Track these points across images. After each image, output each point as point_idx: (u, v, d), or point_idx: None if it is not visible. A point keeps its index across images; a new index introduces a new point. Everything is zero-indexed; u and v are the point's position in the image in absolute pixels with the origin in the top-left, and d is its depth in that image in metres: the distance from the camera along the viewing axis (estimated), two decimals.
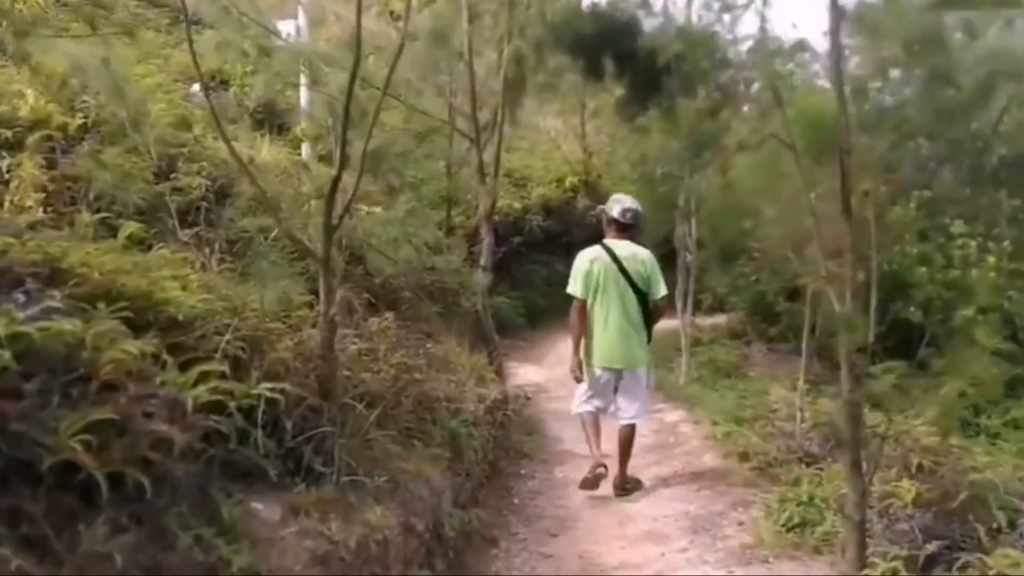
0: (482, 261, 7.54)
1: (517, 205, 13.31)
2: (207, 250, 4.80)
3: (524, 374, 9.82)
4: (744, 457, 6.35)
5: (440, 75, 9.28)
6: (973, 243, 11.82)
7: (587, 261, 5.96)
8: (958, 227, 11.96)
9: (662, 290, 6.06)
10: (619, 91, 10.32)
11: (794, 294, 11.24)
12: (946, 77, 4.25)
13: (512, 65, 7.34)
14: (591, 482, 5.76)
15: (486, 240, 7.55)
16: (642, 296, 5.94)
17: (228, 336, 3.70)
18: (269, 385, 3.65)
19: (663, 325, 12.38)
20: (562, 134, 16.19)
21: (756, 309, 11.47)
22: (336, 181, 4.02)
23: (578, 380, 6.11)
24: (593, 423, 6.06)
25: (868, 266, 4.39)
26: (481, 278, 7.35)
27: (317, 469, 3.77)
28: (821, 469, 5.78)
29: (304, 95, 10.35)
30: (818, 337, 8.99)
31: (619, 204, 6.16)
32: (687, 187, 9.00)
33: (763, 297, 11.25)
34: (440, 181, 10.86)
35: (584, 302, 5.92)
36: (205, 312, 3.82)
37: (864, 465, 4.24)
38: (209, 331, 3.72)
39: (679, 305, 9.59)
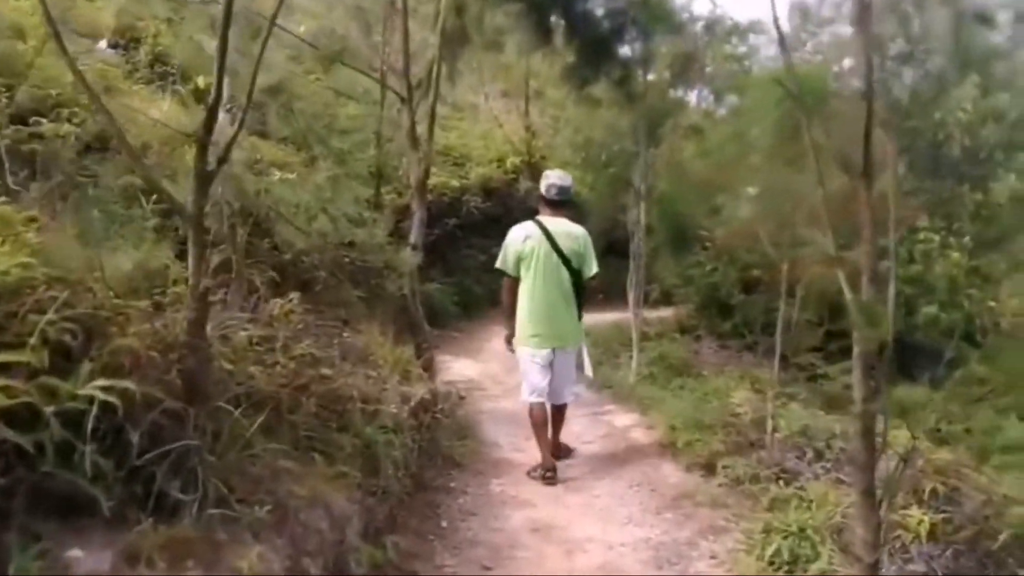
0: (412, 238, 6.57)
1: (454, 183, 12.32)
2: (52, 207, 3.76)
3: (458, 369, 8.87)
4: (709, 470, 5.50)
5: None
6: (936, 237, 11.26)
7: (520, 237, 5.75)
8: (921, 221, 11.37)
9: (594, 267, 5.86)
10: (568, 58, 9.60)
11: (749, 286, 10.51)
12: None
13: (451, 15, 6.38)
14: (548, 479, 5.56)
15: (417, 214, 6.59)
16: (575, 273, 5.74)
17: (51, 315, 2.71)
18: (105, 383, 2.68)
19: (608, 318, 11.74)
20: (505, 111, 15.27)
21: (708, 302, 10.69)
22: (211, 117, 3.04)
23: (511, 349, 6.00)
24: (542, 418, 5.80)
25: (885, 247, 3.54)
26: (410, 257, 6.37)
27: (173, 497, 2.82)
28: (802, 488, 4.96)
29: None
30: (794, 332, 8.34)
31: (547, 180, 5.93)
32: (639, 166, 8.08)
33: (716, 289, 10.48)
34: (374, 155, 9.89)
35: (515, 279, 5.76)
36: (21, 282, 2.82)
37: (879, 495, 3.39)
38: (25, 308, 2.74)
39: (630, 297, 8.69)
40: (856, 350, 3.43)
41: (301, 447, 3.62)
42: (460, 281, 12.08)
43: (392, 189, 11.20)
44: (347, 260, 6.21)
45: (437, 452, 5.68)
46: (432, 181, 11.42)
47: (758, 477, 5.24)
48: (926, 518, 3.91)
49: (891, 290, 3.47)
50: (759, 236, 5.89)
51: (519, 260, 5.71)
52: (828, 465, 5.31)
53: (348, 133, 9.70)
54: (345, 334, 5.74)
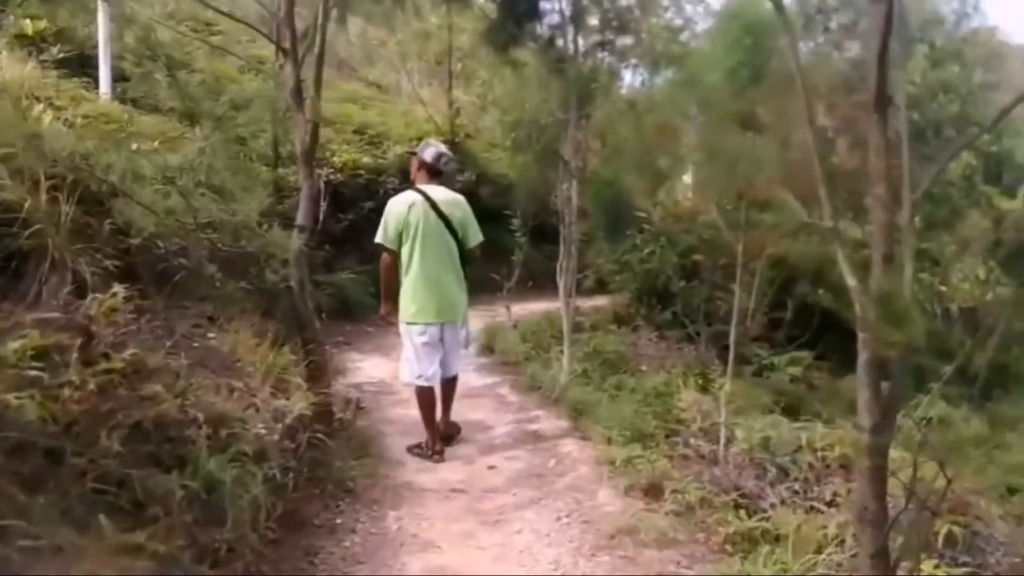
0: (298, 217, 5.49)
1: (367, 160, 11.19)
2: None
3: (368, 369, 7.84)
4: (654, 494, 4.56)
5: None
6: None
7: (403, 206, 5.48)
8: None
9: (478, 236, 5.68)
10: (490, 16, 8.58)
11: (690, 272, 9.64)
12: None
13: None
14: (441, 442, 5.53)
15: (304, 189, 5.52)
16: (460, 243, 5.56)
17: None
18: None
19: (538, 308, 10.79)
20: (426, 84, 14.21)
21: (645, 290, 9.79)
22: None
23: (391, 323, 5.84)
24: (431, 400, 5.61)
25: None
26: (295, 241, 5.30)
27: None
28: (766, 518, 4.06)
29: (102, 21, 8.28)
30: (741, 320, 7.53)
31: (433, 148, 5.77)
32: (569, 137, 7.10)
33: (654, 276, 9.58)
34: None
35: (394, 252, 5.55)
36: None
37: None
38: None
39: (560, 284, 7.74)
40: (862, 357, 2.52)
41: (88, 502, 2.58)
42: (376, 269, 10.98)
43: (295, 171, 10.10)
44: (218, 246, 5.11)
45: (325, 478, 4.65)
46: (342, 159, 10.37)
47: (712, 503, 4.33)
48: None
49: (908, 274, 2.56)
50: (710, 209, 4.99)
51: (401, 232, 5.46)
52: (795, 486, 4.42)
53: (243, 108, 8.56)
54: (211, 336, 4.69)
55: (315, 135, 5.40)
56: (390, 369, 7.80)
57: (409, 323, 5.54)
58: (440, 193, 5.55)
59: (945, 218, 11.16)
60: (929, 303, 11.46)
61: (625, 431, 5.33)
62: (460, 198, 5.68)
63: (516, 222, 9.93)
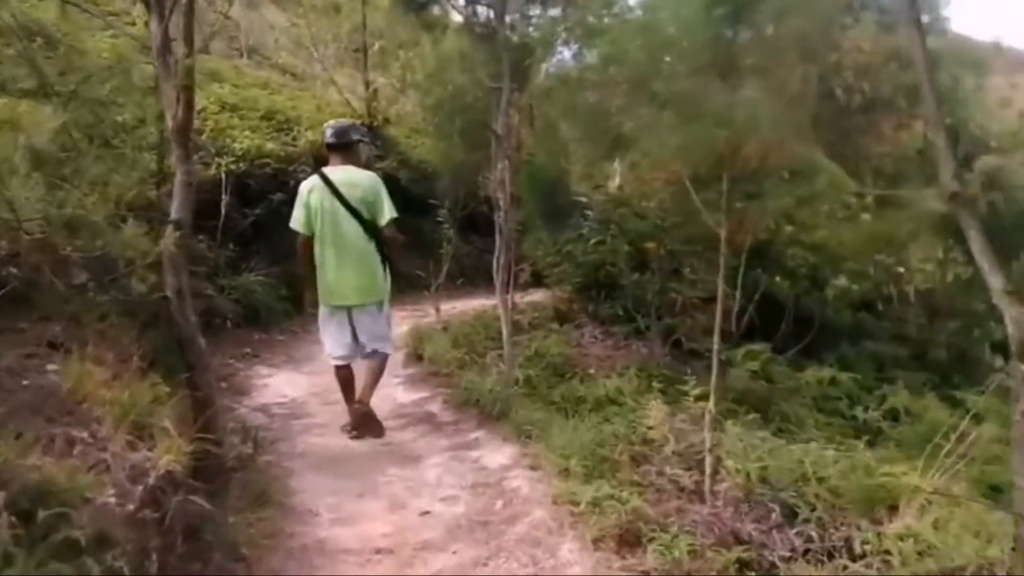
0: (173, 209, 4.40)
1: (272, 147, 10.03)
2: None
3: (278, 385, 6.77)
4: (630, 545, 3.62)
5: None
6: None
7: (305, 191, 5.44)
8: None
9: (388, 214, 5.39)
10: None
11: (641, 263, 8.75)
12: None
13: None
14: (355, 424, 5.46)
15: (179, 173, 4.41)
16: (368, 224, 5.36)
17: None
18: None
19: (471, 306, 9.82)
20: (340, 66, 13.09)
21: (590, 283, 8.86)
22: None
23: (313, 310, 5.67)
24: (347, 378, 5.61)
25: None
26: (169, 240, 4.22)
27: None
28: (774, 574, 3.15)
29: None
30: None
31: (329, 128, 5.60)
32: (501, 108, 6.12)
33: (600, 267, 8.67)
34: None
35: (307, 236, 5.42)
36: None
37: None
38: None
39: (497, 281, 6.76)
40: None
41: None
42: (289, 270, 9.86)
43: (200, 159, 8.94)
44: (65, 250, 4.00)
45: (209, 547, 3.60)
46: (244, 145, 9.24)
47: (705, 554, 3.41)
48: None
49: None
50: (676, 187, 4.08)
51: (309, 217, 5.35)
52: (808, 530, 3.52)
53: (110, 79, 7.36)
54: (51, 367, 3.61)
55: (189, 105, 4.31)
56: (305, 385, 6.78)
57: (322, 305, 5.51)
58: (341, 174, 5.39)
59: (901, 196, 10.45)
60: (885, 285, 10.82)
61: (584, 460, 4.39)
62: (365, 176, 5.46)
63: (443, 212, 8.90)
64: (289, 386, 6.72)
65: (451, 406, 6.06)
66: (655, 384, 7.16)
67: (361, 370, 5.61)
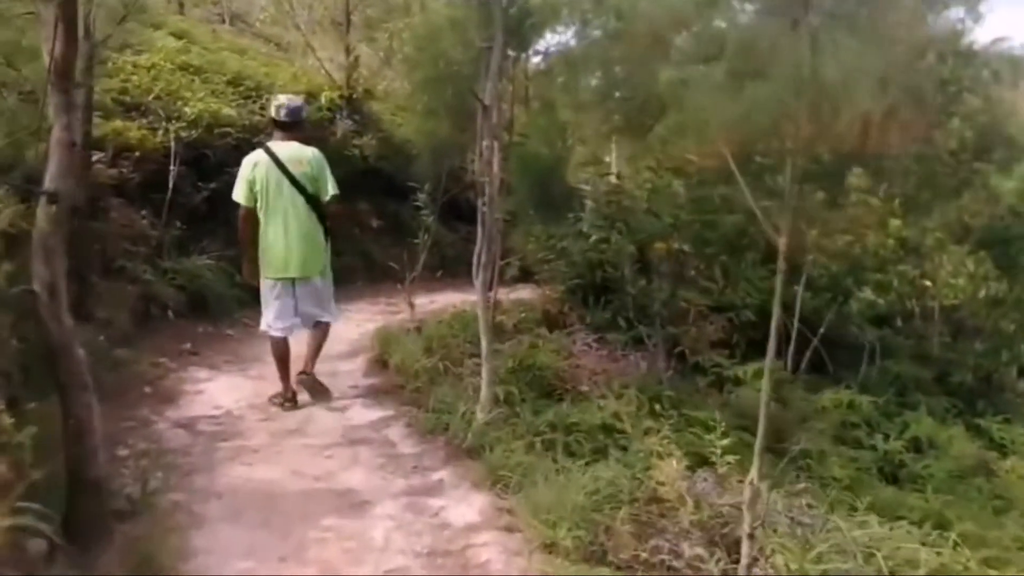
0: (47, 178, 3.30)
1: (229, 112, 8.91)
2: None
3: (215, 392, 5.72)
4: None
5: None
6: (874, 200, 8.77)
7: (249, 165, 5.49)
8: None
9: (330, 190, 5.56)
10: None
11: (646, 264, 7.69)
12: None
13: None
14: (297, 391, 5.51)
15: (56, 130, 3.29)
16: (312, 199, 5.51)
17: None
18: None
19: (450, 301, 8.78)
20: (320, 31, 11.97)
21: (586, 284, 7.81)
22: None
23: (255, 283, 5.69)
24: (283, 351, 5.56)
25: None
26: (43, 216, 3.16)
27: None
28: None
29: None
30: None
31: (275, 103, 5.70)
32: (491, 72, 5.05)
33: (597, 267, 7.63)
34: None
35: (250, 209, 5.49)
36: None
37: None
38: None
39: (478, 280, 5.70)
40: None
41: None
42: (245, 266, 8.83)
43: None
44: None
45: None
46: (196, 109, 8.15)
47: None
48: None
49: None
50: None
51: (251, 190, 5.46)
52: None
53: None
54: None
55: (71, 38, 3.22)
56: (247, 392, 5.74)
57: (263, 278, 5.57)
58: (286, 149, 5.49)
59: (929, 201, 9.43)
60: (909, 299, 9.81)
61: (576, 528, 3.36)
62: (309, 153, 5.55)
63: (422, 197, 7.82)
64: (227, 394, 5.67)
65: (415, 432, 5.01)
66: (659, 408, 6.17)
67: (302, 342, 5.69)
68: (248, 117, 9.25)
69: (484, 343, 5.24)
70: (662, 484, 3.69)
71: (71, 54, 3.24)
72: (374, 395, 5.82)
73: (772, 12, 2.44)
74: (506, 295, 9.00)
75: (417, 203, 8.08)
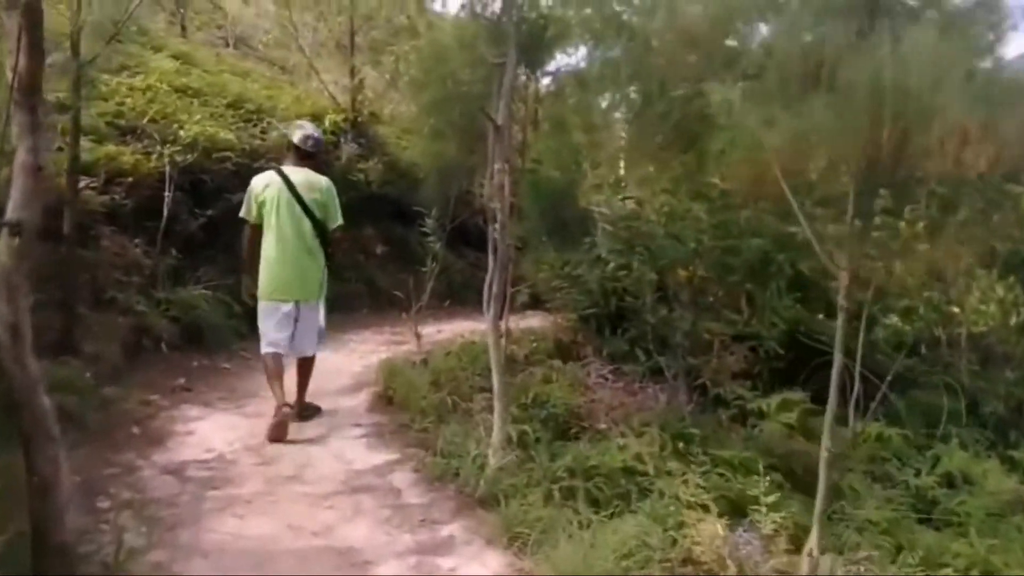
0: (9, 207, 2.95)
1: (228, 136, 8.57)
2: None
3: (207, 432, 5.33)
4: None
5: None
6: (901, 223, 8.37)
7: (260, 185, 5.56)
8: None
9: (338, 219, 5.72)
10: None
11: (666, 293, 7.27)
12: None
13: None
14: (277, 428, 5.25)
15: (21, 154, 2.93)
16: (318, 225, 5.61)
17: None
18: None
19: (458, 329, 8.43)
20: (326, 55, 11.69)
21: (600, 313, 7.41)
22: None
23: (252, 301, 5.76)
24: (276, 366, 5.57)
25: None
26: (3, 253, 2.81)
27: None
28: None
29: None
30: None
31: (301, 130, 5.81)
32: (504, 87, 4.69)
33: (614, 294, 7.25)
34: None
35: (255, 227, 5.57)
36: None
37: None
38: None
39: (489, 311, 5.33)
40: None
41: None
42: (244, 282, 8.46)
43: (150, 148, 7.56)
44: None
45: None
46: (191, 132, 7.82)
47: None
48: None
49: None
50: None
51: (260, 209, 5.53)
52: None
53: None
54: None
55: (37, 54, 2.87)
56: (242, 432, 5.36)
57: (261, 298, 5.61)
58: (301, 175, 5.58)
59: (956, 224, 9.03)
60: (936, 326, 9.38)
61: None
62: (322, 180, 5.68)
63: (428, 222, 7.46)
64: (221, 434, 5.28)
65: (423, 478, 4.62)
66: (682, 446, 5.79)
67: (292, 367, 5.76)
68: (249, 141, 8.93)
69: (496, 380, 4.87)
70: (698, 544, 3.30)
71: (36, 68, 2.89)
72: (378, 434, 5.44)
73: (833, 15, 2.09)
74: (516, 323, 8.65)
75: (424, 229, 7.71)
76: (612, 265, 6.33)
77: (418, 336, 7.36)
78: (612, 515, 4.12)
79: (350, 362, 7.37)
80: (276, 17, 14.52)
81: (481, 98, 5.84)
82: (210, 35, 15.65)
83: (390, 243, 10.67)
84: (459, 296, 10.20)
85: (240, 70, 12.06)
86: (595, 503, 4.63)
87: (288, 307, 5.57)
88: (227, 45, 15.26)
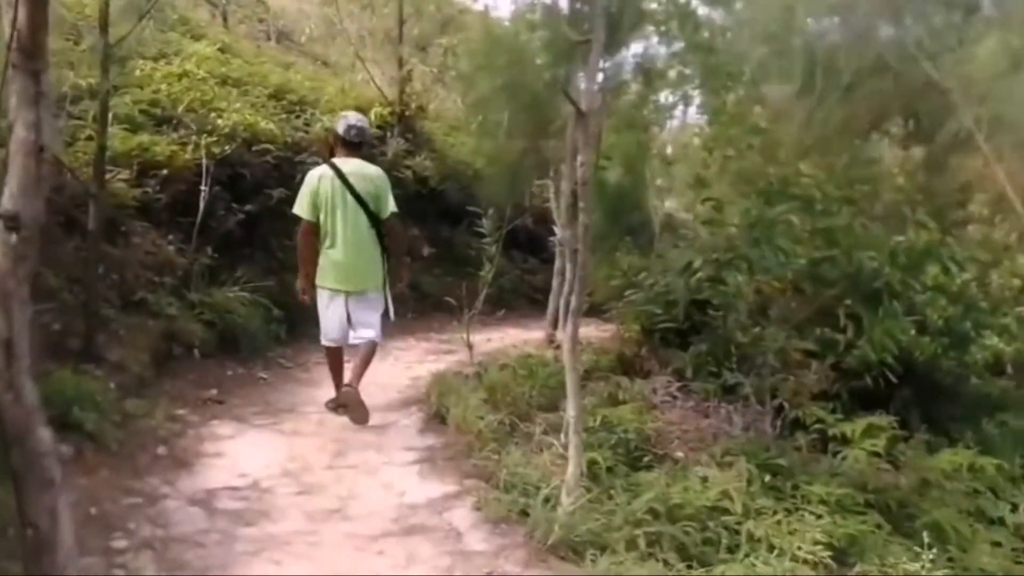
0: (5, 198, 2.41)
1: (268, 126, 8.02)
2: None
3: (238, 453, 4.77)
4: None
5: None
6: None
7: (314, 179, 5.53)
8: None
9: (391, 207, 5.63)
10: None
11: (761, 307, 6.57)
12: None
13: None
14: (356, 409, 5.34)
15: (18, 132, 2.38)
16: (372, 216, 5.56)
17: None
18: None
19: (507, 339, 7.86)
20: (369, 43, 11.15)
21: (676, 322, 6.73)
22: None
23: (306, 303, 5.76)
24: (335, 359, 5.73)
25: None
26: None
27: None
28: None
29: None
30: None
31: (345, 121, 5.75)
32: (590, 73, 4.07)
33: (692, 305, 6.59)
34: None
35: (312, 223, 5.51)
36: None
37: None
38: None
39: (567, 327, 4.73)
40: None
41: None
42: (286, 283, 7.88)
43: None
44: None
45: None
46: (231, 121, 7.30)
47: None
48: None
49: None
50: None
51: (315, 204, 5.48)
52: None
53: None
54: None
55: (41, 9, 2.31)
56: (280, 454, 4.80)
57: (320, 290, 5.62)
58: (352, 166, 5.56)
59: None
60: None
61: None
62: (374, 171, 5.69)
63: (485, 223, 6.84)
64: (255, 456, 4.72)
65: (486, 518, 4.01)
66: (768, 479, 5.15)
67: (351, 355, 5.70)
68: (291, 133, 8.39)
69: (572, 408, 4.24)
70: None
71: (39, 23, 2.33)
72: (431, 460, 4.83)
73: None
74: (562, 331, 8.08)
75: (479, 229, 7.10)
76: (700, 275, 5.66)
77: (470, 347, 6.78)
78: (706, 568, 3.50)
79: (397, 373, 6.82)
80: (320, 11, 14.14)
81: (551, 88, 5.27)
82: (252, 28, 15.29)
83: (436, 244, 10.12)
84: (507, 302, 9.66)
85: (282, 62, 11.59)
86: (681, 549, 4.04)
87: (341, 298, 5.58)
88: (269, 39, 14.89)
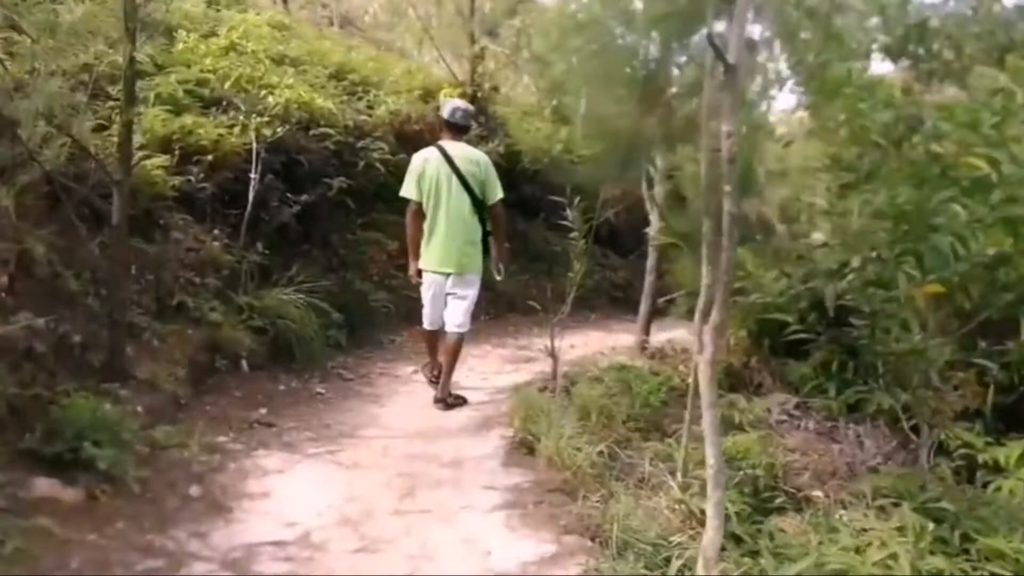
0: None
1: (328, 106, 7.20)
2: None
3: (287, 492, 3.95)
4: None
5: None
6: None
7: (420, 161, 5.61)
8: None
9: (498, 193, 5.70)
10: None
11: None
12: None
13: None
14: (441, 391, 5.62)
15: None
16: (476, 199, 5.61)
17: None
18: None
19: (592, 344, 6.97)
20: (438, 22, 10.33)
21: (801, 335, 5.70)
22: None
23: (417, 283, 5.85)
24: (431, 339, 5.96)
25: None
26: None
27: None
28: None
29: None
30: None
31: (451, 104, 5.84)
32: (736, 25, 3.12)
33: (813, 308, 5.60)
34: None
35: (419, 205, 5.61)
36: None
37: None
38: None
39: (704, 353, 3.79)
40: None
41: None
42: (347, 283, 7.09)
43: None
44: None
45: None
46: (284, 96, 6.52)
47: None
48: None
49: None
50: None
51: (420, 186, 5.55)
52: None
53: None
54: None
55: None
56: (337, 495, 3.98)
57: (424, 271, 5.68)
58: (458, 149, 5.60)
59: None
60: None
61: None
62: (480, 155, 5.73)
63: (571, 215, 5.86)
64: (306, 496, 3.89)
65: None
66: (935, 530, 4.15)
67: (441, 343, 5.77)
68: (353, 116, 7.58)
69: (712, 456, 3.27)
70: None
71: None
72: (520, 505, 3.94)
73: None
74: (655, 334, 7.21)
75: (561, 222, 6.16)
76: (855, 276, 4.65)
77: (555, 358, 5.88)
78: None
79: (473, 386, 6.00)
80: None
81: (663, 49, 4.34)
82: (314, 13, 14.68)
83: (511, 238, 9.27)
84: (588, 301, 8.82)
85: (343, 44, 10.85)
86: None
87: (442, 280, 5.64)
88: (331, 24, 14.24)
